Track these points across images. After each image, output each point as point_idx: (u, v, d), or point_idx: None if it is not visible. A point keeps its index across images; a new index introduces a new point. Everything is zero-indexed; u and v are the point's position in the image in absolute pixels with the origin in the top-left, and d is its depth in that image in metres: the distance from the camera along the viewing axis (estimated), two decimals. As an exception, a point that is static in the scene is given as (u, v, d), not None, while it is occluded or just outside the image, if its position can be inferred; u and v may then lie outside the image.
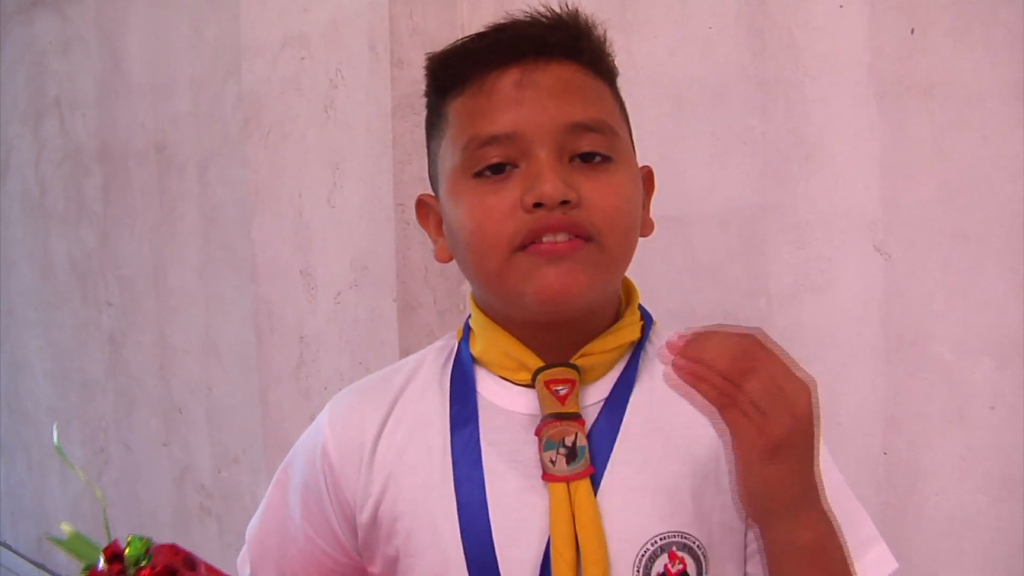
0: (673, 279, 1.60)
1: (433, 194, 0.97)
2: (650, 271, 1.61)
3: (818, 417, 0.87)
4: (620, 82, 1.70)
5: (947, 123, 1.34)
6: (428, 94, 0.96)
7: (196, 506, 2.77)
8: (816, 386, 0.78)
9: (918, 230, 1.38)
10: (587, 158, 0.88)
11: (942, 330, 1.37)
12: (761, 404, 0.76)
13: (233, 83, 2.41)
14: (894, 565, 0.93)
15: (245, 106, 2.10)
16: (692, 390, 0.78)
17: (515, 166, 0.87)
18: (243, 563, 1.06)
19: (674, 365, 0.77)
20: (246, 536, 1.07)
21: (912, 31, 1.36)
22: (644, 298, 1.68)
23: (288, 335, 2.03)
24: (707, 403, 0.78)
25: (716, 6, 1.54)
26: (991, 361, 1.34)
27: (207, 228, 2.65)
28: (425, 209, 0.98)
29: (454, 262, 0.96)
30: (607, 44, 0.95)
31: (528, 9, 0.92)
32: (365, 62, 1.81)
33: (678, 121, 1.59)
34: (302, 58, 1.93)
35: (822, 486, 0.83)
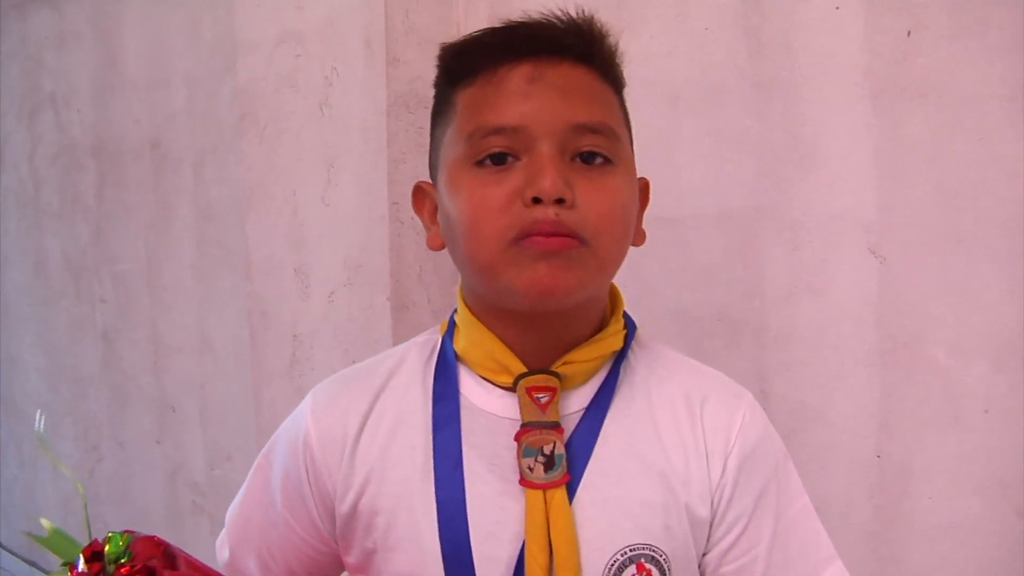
0: (668, 280, 1.60)
1: (431, 182, 0.99)
2: (645, 271, 1.61)
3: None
4: (616, 82, 1.68)
5: (943, 125, 1.34)
6: (438, 83, 0.97)
7: (189, 504, 2.76)
8: None
9: (913, 232, 1.38)
10: (588, 159, 0.89)
11: (937, 333, 1.37)
12: None
13: (229, 79, 2.40)
14: None
15: (241, 103, 2.09)
16: None
17: (517, 158, 0.88)
18: (222, 546, 1.08)
19: None
20: (226, 519, 1.08)
21: (908, 33, 1.36)
22: (639, 298, 1.68)
23: (282, 333, 2.02)
24: None
25: (713, 6, 1.54)
26: (986, 364, 1.34)
27: (202, 225, 2.64)
28: (422, 196, 1.00)
29: (445, 252, 0.97)
30: (618, 54, 0.97)
31: (544, 10, 0.94)
32: (361, 60, 1.80)
33: (674, 121, 1.58)
34: (298, 55, 1.92)
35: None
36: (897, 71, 1.37)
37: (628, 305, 1.67)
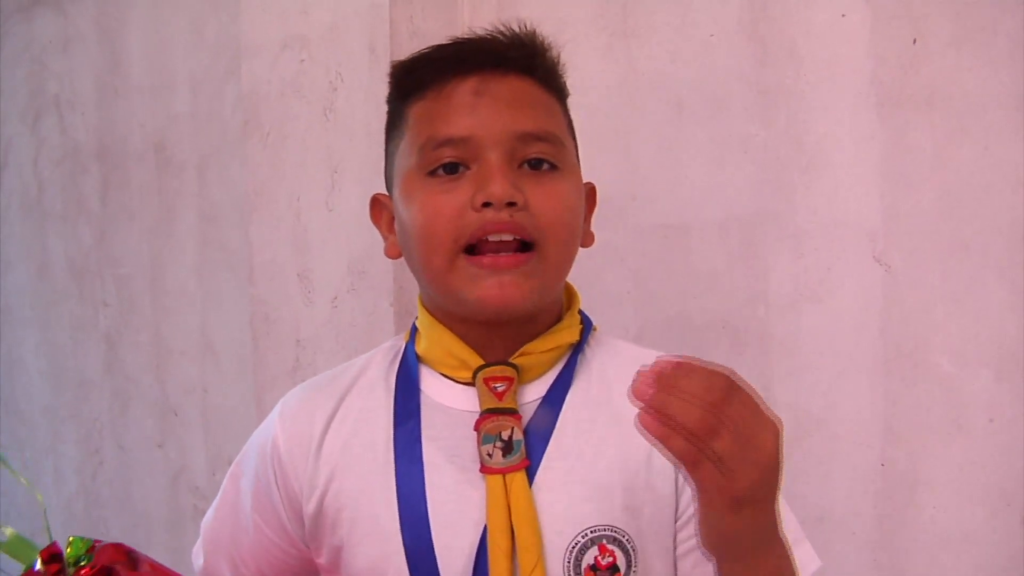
0: (672, 286, 1.60)
1: (387, 194, 1.04)
2: (649, 277, 1.61)
3: (781, 450, 0.92)
4: (621, 87, 1.70)
5: (948, 132, 1.34)
6: (390, 98, 1.03)
7: (190, 507, 2.76)
8: (783, 427, 0.76)
9: (918, 240, 1.38)
10: (535, 165, 0.94)
11: (941, 341, 1.37)
12: (728, 462, 0.74)
13: (233, 84, 2.40)
14: (818, 563, 0.98)
15: (244, 107, 2.09)
16: (658, 441, 0.74)
17: (467, 167, 0.93)
18: (197, 554, 1.11)
19: (640, 420, 0.74)
20: (200, 527, 1.11)
21: (914, 41, 1.36)
22: (642, 305, 1.68)
23: (285, 338, 2.02)
24: (674, 455, 0.75)
25: (718, 13, 1.54)
26: (990, 373, 1.34)
27: (205, 229, 2.64)
28: (379, 207, 1.05)
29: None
30: (560, 65, 1.02)
31: (489, 27, 0.99)
32: (365, 65, 1.80)
33: (678, 127, 1.58)
34: (302, 60, 1.92)
35: (781, 518, 0.84)
36: (903, 79, 1.37)
37: (631, 312, 1.67)
